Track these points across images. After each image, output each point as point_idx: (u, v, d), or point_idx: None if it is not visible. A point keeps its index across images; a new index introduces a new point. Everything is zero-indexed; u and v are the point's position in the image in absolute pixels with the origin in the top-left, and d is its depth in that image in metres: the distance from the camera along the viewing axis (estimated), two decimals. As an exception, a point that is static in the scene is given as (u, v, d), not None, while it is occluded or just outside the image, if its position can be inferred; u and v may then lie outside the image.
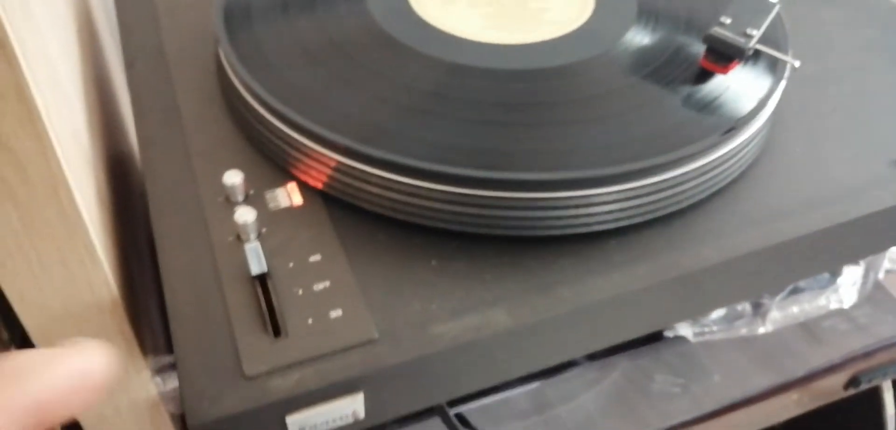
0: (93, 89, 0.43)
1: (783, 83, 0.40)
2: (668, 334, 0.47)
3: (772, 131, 0.41)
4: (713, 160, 0.36)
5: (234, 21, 0.42)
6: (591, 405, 0.49)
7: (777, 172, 0.39)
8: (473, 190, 0.34)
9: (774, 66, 0.40)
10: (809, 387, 0.53)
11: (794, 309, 0.48)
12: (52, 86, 0.31)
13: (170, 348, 0.35)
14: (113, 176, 0.43)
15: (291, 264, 0.33)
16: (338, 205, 0.36)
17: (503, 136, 0.36)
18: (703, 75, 0.40)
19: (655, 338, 0.49)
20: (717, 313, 0.47)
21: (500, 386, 0.48)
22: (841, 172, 0.39)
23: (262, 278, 0.32)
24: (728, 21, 0.40)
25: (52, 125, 0.28)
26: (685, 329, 0.47)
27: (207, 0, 0.47)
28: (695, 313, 0.45)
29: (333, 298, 0.32)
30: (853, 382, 0.53)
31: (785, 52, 0.41)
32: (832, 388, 0.54)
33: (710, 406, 0.51)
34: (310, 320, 0.31)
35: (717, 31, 0.39)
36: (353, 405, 0.30)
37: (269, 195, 0.36)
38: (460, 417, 0.45)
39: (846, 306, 0.49)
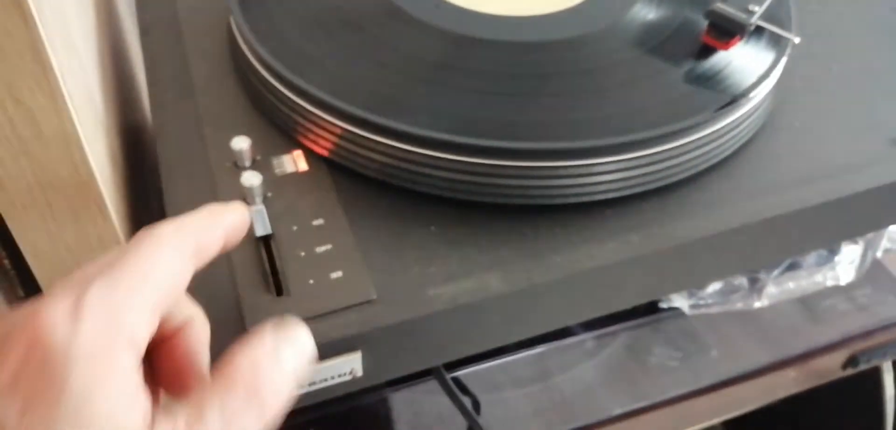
0: (108, 56, 0.44)
1: (784, 60, 0.40)
2: (664, 304, 0.48)
3: (773, 106, 0.42)
4: (709, 134, 0.36)
5: (245, -9, 0.43)
6: (589, 375, 0.50)
7: (776, 147, 0.40)
8: (473, 159, 0.34)
9: (776, 43, 0.41)
10: (807, 365, 0.53)
11: (791, 285, 0.48)
12: (66, 48, 0.32)
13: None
14: (126, 143, 0.44)
15: (295, 228, 0.34)
16: (341, 172, 0.37)
17: (505, 106, 0.37)
18: (705, 51, 0.40)
19: (653, 310, 0.50)
20: (714, 287, 0.48)
21: (498, 352, 0.49)
22: (840, 149, 0.40)
23: (266, 240, 0.33)
24: (731, -3, 0.40)
25: (66, 85, 0.30)
26: (681, 301, 0.48)
27: (220, -30, 0.48)
28: (690, 284, 0.46)
29: (334, 260, 0.33)
30: (851, 361, 0.54)
31: (788, 28, 0.41)
32: (830, 367, 0.55)
33: (707, 380, 0.52)
34: (311, 281, 0.32)
35: (719, 6, 0.40)
36: (352, 363, 0.31)
37: (275, 161, 0.37)
38: (458, 381, 0.46)
39: (843, 283, 0.50)
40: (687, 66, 0.40)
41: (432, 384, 0.43)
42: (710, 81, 0.39)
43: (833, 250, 0.49)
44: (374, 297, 0.32)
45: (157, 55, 0.45)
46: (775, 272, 0.48)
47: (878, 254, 0.50)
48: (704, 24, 0.41)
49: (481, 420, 0.46)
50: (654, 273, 0.36)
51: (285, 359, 0.24)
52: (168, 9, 0.49)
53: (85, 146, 0.32)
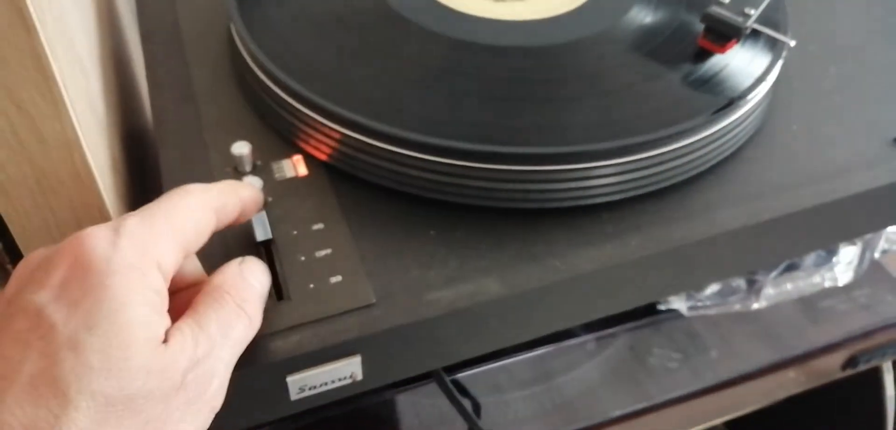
0: (109, 62, 0.45)
1: (780, 63, 0.40)
2: (662, 307, 0.48)
3: (769, 109, 0.42)
4: (707, 137, 0.37)
5: (245, -3, 0.44)
6: (589, 377, 0.50)
7: (773, 149, 0.40)
8: (473, 163, 0.35)
9: (772, 46, 0.41)
10: (807, 366, 0.53)
11: (789, 286, 0.48)
12: (68, 54, 0.32)
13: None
14: (127, 147, 0.44)
15: (295, 232, 0.34)
16: (341, 176, 0.37)
17: (503, 110, 0.37)
18: (702, 54, 0.40)
19: (651, 311, 0.50)
20: (712, 289, 0.48)
21: (499, 355, 0.49)
22: (838, 151, 0.40)
23: (266, 245, 0.34)
24: (726, 0, 0.40)
25: (68, 91, 0.30)
26: (679, 303, 0.48)
27: (220, -24, 0.48)
28: (688, 286, 0.46)
29: (334, 264, 0.33)
30: (851, 362, 0.54)
31: (784, 31, 0.41)
32: (830, 367, 0.55)
33: (708, 381, 0.52)
34: (311, 285, 0.32)
35: (715, 9, 0.40)
36: (352, 367, 0.32)
37: (275, 166, 0.38)
38: (458, 384, 0.46)
39: (841, 284, 0.50)
40: (683, 69, 0.40)
41: (433, 387, 0.43)
42: (707, 85, 0.39)
43: (831, 251, 0.50)
44: (374, 301, 0.32)
45: (157, 60, 0.45)
46: (773, 274, 0.48)
47: (877, 255, 0.50)
48: (700, 27, 0.41)
49: (482, 423, 0.46)
50: (652, 276, 0.36)
51: (251, 276, 0.29)
52: (169, 14, 0.49)
53: (86, 152, 0.32)
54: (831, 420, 0.66)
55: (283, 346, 0.30)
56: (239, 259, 0.30)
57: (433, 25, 0.42)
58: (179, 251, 0.27)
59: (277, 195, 0.36)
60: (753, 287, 0.48)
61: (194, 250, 0.28)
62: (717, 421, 0.57)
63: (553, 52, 0.41)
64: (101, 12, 0.46)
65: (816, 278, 0.49)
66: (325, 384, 0.32)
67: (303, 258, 0.33)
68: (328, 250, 0.34)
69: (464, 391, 0.47)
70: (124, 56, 0.52)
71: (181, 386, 0.25)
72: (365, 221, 0.35)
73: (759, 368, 0.51)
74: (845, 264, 0.49)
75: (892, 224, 0.44)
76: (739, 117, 0.38)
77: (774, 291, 0.48)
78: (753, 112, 0.39)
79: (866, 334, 0.53)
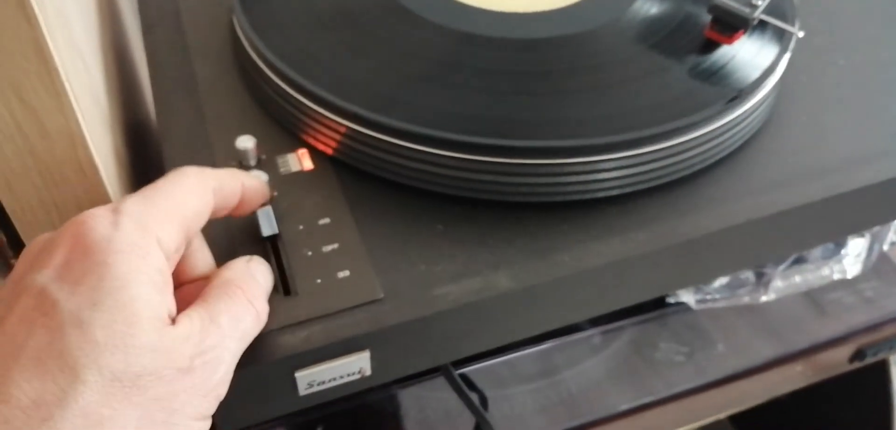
0: (111, 54, 0.44)
1: (788, 54, 0.40)
2: (671, 300, 0.48)
3: (777, 101, 0.41)
4: (714, 129, 0.36)
5: (249, -11, 0.43)
6: (595, 371, 0.50)
7: (781, 141, 0.40)
8: (479, 157, 0.34)
9: (780, 37, 0.41)
10: (814, 359, 0.53)
11: (797, 279, 0.48)
12: (70, 46, 0.32)
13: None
14: (130, 140, 0.44)
15: (301, 227, 0.34)
16: (347, 170, 0.37)
17: (509, 104, 0.37)
18: (709, 45, 0.40)
19: (659, 305, 0.50)
20: (720, 281, 0.47)
21: (505, 349, 0.49)
22: (846, 143, 0.40)
23: (272, 240, 0.33)
24: (734, -9, 0.40)
25: (71, 84, 0.30)
26: (687, 296, 0.48)
27: (223, -31, 0.48)
28: (696, 280, 0.46)
29: (341, 259, 0.33)
30: (858, 355, 0.54)
31: (791, 22, 0.41)
32: (837, 361, 0.55)
33: (714, 375, 0.52)
34: (318, 280, 0.32)
35: (722, 0, 0.40)
36: (360, 362, 0.31)
37: (280, 160, 0.37)
38: (465, 378, 0.46)
39: (849, 276, 0.50)
40: (691, 61, 0.40)
41: (438, 381, 0.43)
42: (714, 76, 0.39)
43: (839, 244, 0.49)
44: (382, 296, 0.32)
45: (160, 53, 0.45)
46: (781, 266, 0.48)
47: (885, 247, 0.50)
48: (707, 18, 0.41)
49: (488, 416, 0.46)
50: (660, 270, 0.36)
51: (259, 274, 0.30)
52: (170, 6, 0.48)
53: (90, 145, 0.32)
54: (838, 413, 0.66)
55: (291, 341, 0.30)
56: (247, 257, 0.30)
57: (438, 18, 0.42)
58: (180, 231, 0.27)
59: (283, 190, 0.36)
60: (762, 280, 0.47)
61: (195, 229, 0.29)
62: (723, 415, 0.57)
63: (559, 44, 0.41)
64: (100, 3, 0.45)
65: (825, 271, 0.49)
66: (334, 379, 0.31)
67: (310, 253, 0.33)
68: (335, 245, 0.33)
69: (471, 385, 0.47)
70: (124, 47, 0.52)
71: (189, 370, 0.25)
72: (371, 215, 0.35)
73: (766, 361, 0.51)
74: (854, 256, 0.49)
75: (900, 217, 0.43)
76: (748, 109, 0.38)
77: (783, 283, 0.48)
78: (762, 104, 0.39)
79: (873, 327, 0.53)
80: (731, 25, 0.39)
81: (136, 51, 0.56)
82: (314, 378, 0.31)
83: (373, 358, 0.32)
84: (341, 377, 0.32)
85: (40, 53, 0.28)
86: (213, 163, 0.37)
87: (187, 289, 0.29)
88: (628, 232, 0.35)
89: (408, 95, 0.37)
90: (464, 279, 0.33)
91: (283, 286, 0.32)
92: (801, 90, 0.43)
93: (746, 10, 0.39)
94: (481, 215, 0.35)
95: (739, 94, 0.37)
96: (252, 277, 0.29)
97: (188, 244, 0.30)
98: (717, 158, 0.38)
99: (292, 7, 0.43)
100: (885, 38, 0.47)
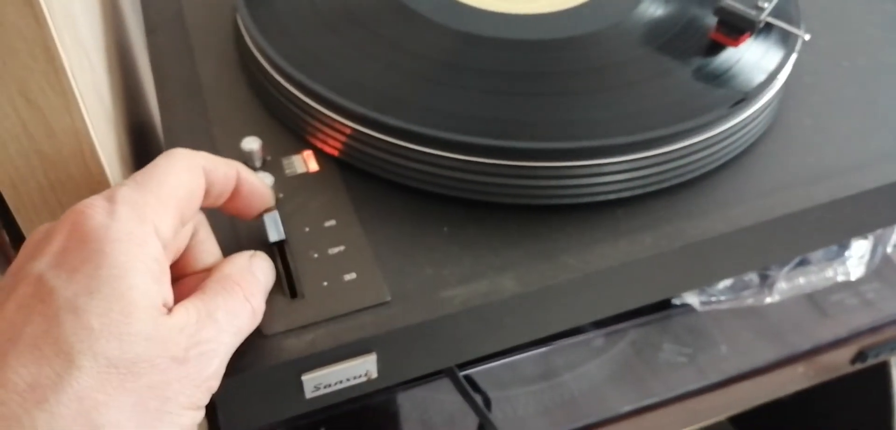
0: (114, 54, 0.44)
1: (794, 56, 0.40)
2: (676, 301, 0.48)
3: (782, 103, 0.41)
4: (721, 132, 0.36)
5: (253, -10, 0.43)
6: (596, 373, 0.50)
7: (786, 144, 0.40)
8: (485, 159, 0.34)
9: (786, 39, 0.41)
10: (816, 360, 0.53)
11: (801, 280, 0.48)
12: (76, 46, 0.32)
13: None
14: (134, 140, 0.44)
15: (307, 229, 0.34)
16: (353, 172, 0.37)
17: (515, 105, 0.37)
18: (715, 48, 0.40)
19: (663, 307, 0.50)
20: (724, 283, 0.48)
21: (507, 351, 0.48)
22: (851, 146, 0.40)
23: (279, 245, 0.33)
24: (740, -6, 0.40)
25: (77, 83, 0.29)
26: (692, 298, 0.48)
27: (226, -31, 0.48)
28: (701, 282, 0.46)
29: (348, 262, 0.33)
30: (860, 356, 0.54)
31: (797, 25, 0.41)
32: (839, 362, 0.55)
33: (716, 377, 0.52)
34: (325, 283, 0.32)
35: (728, 3, 0.40)
36: (366, 365, 0.31)
37: (285, 162, 0.37)
38: (468, 379, 0.46)
39: (853, 278, 0.50)
40: (696, 63, 0.40)
41: (440, 383, 0.43)
42: (720, 79, 0.39)
43: (843, 246, 0.49)
44: (389, 299, 0.32)
45: (163, 54, 0.44)
46: (786, 268, 0.48)
47: (888, 249, 0.50)
48: (712, 20, 0.41)
49: (492, 418, 0.46)
50: (666, 272, 0.36)
51: (259, 271, 0.30)
52: (173, 6, 0.48)
53: (96, 144, 0.31)
54: (839, 415, 0.66)
55: (297, 345, 0.30)
56: (250, 252, 0.31)
57: (444, 19, 0.42)
58: (175, 215, 0.27)
59: (288, 191, 0.36)
60: (766, 282, 0.48)
61: (191, 213, 0.29)
62: (724, 417, 0.57)
63: (565, 46, 0.41)
64: (104, 4, 0.45)
65: (829, 273, 0.49)
66: (341, 381, 0.31)
67: (316, 255, 0.33)
68: (341, 247, 0.33)
69: (475, 387, 0.46)
70: (127, 46, 0.51)
71: (183, 360, 0.25)
72: (377, 217, 0.35)
73: (768, 363, 0.51)
74: (857, 258, 0.49)
75: (904, 219, 0.43)
76: (754, 112, 0.38)
77: (787, 285, 0.48)
78: (768, 107, 0.39)
79: (875, 329, 0.53)
80: (737, 28, 0.39)
81: (138, 51, 0.56)
82: (321, 381, 0.31)
83: (379, 361, 0.31)
84: (348, 380, 0.31)
85: (48, 53, 0.28)
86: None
87: (191, 279, 0.30)
88: (634, 234, 0.35)
89: (414, 97, 0.37)
90: (470, 282, 0.32)
91: (289, 289, 0.32)
92: (806, 92, 0.43)
93: (753, 12, 0.39)
94: (487, 217, 0.35)
95: (745, 96, 0.37)
96: (252, 273, 0.29)
97: (194, 235, 0.30)
98: (724, 160, 0.38)
99: (297, 8, 0.43)
100: (888, 40, 0.47)
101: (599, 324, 0.50)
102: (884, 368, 0.58)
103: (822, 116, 0.42)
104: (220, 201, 0.31)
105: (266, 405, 0.31)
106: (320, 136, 0.37)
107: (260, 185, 0.32)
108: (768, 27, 0.41)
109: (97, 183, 0.32)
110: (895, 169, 0.38)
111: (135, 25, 0.57)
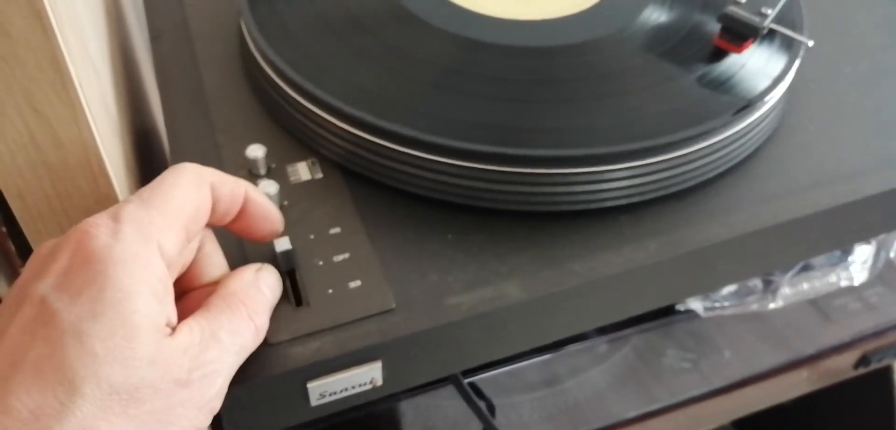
0: (119, 62, 0.44)
1: (797, 63, 0.40)
2: (680, 307, 0.48)
3: (786, 109, 0.42)
4: (724, 139, 0.36)
5: (257, -3, 0.43)
6: (600, 379, 0.50)
7: (790, 150, 0.40)
8: (490, 166, 0.34)
9: (789, 46, 0.41)
10: (819, 365, 0.53)
11: (805, 286, 0.48)
12: (82, 56, 0.32)
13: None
14: (139, 149, 0.44)
15: (312, 236, 0.34)
16: (357, 179, 0.37)
17: (519, 112, 0.37)
18: (718, 54, 0.40)
19: (666, 313, 0.50)
20: (728, 289, 0.48)
21: (511, 358, 0.48)
22: (853, 151, 0.40)
23: (291, 273, 0.33)
24: (743, 0, 0.40)
25: (84, 94, 0.29)
26: (696, 304, 0.48)
27: (230, -24, 0.48)
28: (705, 288, 0.46)
29: (353, 269, 0.33)
30: (863, 361, 0.54)
31: (800, 31, 0.41)
32: (842, 367, 0.55)
33: (719, 383, 0.52)
34: (330, 291, 0.32)
35: (732, 9, 0.40)
36: (372, 372, 0.31)
37: (290, 169, 0.37)
38: (473, 386, 0.46)
39: (856, 283, 0.50)
40: (700, 69, 0.40)
41: (444, 390, 0.43)
42: (724, 85, 0.39)
43: (846, 251, 0.49)
44: (393, 306, 0.32)
45: (167, 62, 0.45)
46: (789, 274, 0.48)
47: (892, 254, 0.50)
48: (716, 27, 0.41)
49: (496, 424, 0.46)
50: (670, 278, 0.36)
51: (266, 286, 0.30)
52: (177, 14, 0.48)
53: (103, 154, 0.31)
54: (842, 419, 0.66)
55: (302, 352, 0.30)
56: (256, 266, 0.30)
57: (448, 26, 0.42)
58: (180, 232, 0.27)
59: (293, 199, 0.36)
60: (770, 287, 0.48)
61: (197, 229, 0.28)
62: (727, 421, 0.57)
63: (569, 53, 0.41)
64: (108, 11, 0.45)
65: (832, 278, 0.49)
66: (346, 389, 0.31)
67: (321, 263, 0.33)
68: (346, 255, 0.33)
69: (479, 394, 0.46)
70: (131, 55, 0.52)
71: (186, 383, 0.25)
72: (381, 224, 0.35)
73: (771, 368, 0.51)
74: (860, 263, 0.49)
75: (907, 224, 0.44)
76: (758, 118, 0.38)
77: (791, 290, 0.48)
78: (771, 113, 0.39)
79: (878, 334, 0.53)
80: (740, 34, 0.39)
81: (142, 58, 0.56)
82: (326, 389, 0.31)
83: (384, 368, 0.32)
84: (353, 388, 0.32)
85: (55, 63, 0.28)
86: (222, 171, 0.37)
87: (196, 294, 0.29)
88: (639, 241, 0.35)
89: (417, 104, 0.37)
90: (475, 289, 0.33)
91: (295, 297, 0.32)
92: (809, 98, 0.43)
93: (756, 19, 0.39)
94: (492, 224, 0.35)
95: (749, 103, 0.37)
96: (257, 289, 0.29)
97: (201, 248, 0.30)
98: (728, 166, 0.38)
99: (301, 15, 0.43)
100: (891, 45, 0.47)
101: (603, 330, 0.50)
102: (887, 372, 0.58)
103: (826, 122, 0.42)
104: (227, 220, 0.30)
105: (271, 413, 0.31)
106: (325, 143, 0.38)
107: (270, 208, 0.31)
108: (772, 33, 0.41)
109: (104, 193, 0.32)
110: (897, 175, 0.39)
111: (138, 31, 0.57)
